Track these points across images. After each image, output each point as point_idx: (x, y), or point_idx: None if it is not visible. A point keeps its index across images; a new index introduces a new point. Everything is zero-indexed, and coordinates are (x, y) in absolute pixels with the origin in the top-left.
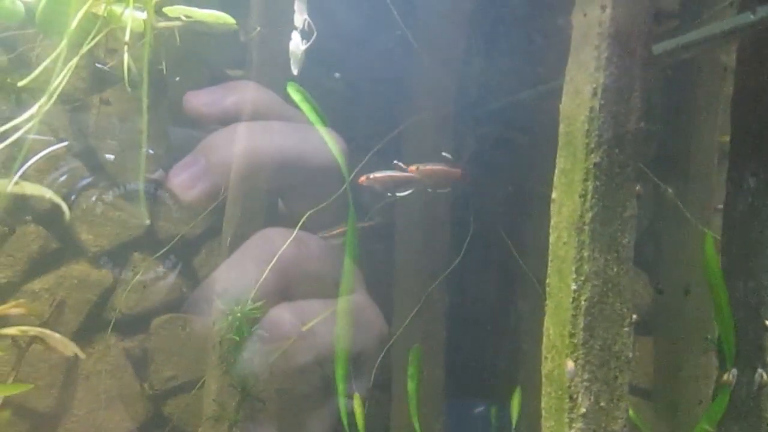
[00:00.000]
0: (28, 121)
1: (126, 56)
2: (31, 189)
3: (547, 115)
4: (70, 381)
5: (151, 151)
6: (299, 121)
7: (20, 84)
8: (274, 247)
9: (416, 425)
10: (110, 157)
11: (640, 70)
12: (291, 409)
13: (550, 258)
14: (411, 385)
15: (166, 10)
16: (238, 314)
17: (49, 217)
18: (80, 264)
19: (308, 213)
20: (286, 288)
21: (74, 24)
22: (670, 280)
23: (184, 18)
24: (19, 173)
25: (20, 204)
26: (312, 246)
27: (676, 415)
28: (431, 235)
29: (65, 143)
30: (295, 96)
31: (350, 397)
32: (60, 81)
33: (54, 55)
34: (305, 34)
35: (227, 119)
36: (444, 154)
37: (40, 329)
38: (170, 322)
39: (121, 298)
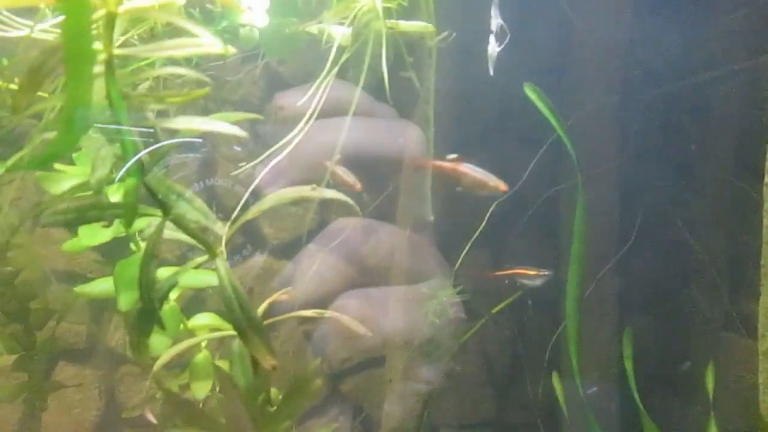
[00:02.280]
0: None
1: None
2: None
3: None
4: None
5: (238, 149)
6: (384, 115)
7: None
8: (346, 235)
9: (639, 405)
10: None
11: None
12: None
13: (765, 240)
14: (628, 365)
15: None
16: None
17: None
18: (263, 255)
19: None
20: (356, 276)
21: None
22: None
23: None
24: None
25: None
26: (383, 235)
27: None
28: (601, 224)
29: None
30: (532, 95)
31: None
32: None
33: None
34: (499, 37)
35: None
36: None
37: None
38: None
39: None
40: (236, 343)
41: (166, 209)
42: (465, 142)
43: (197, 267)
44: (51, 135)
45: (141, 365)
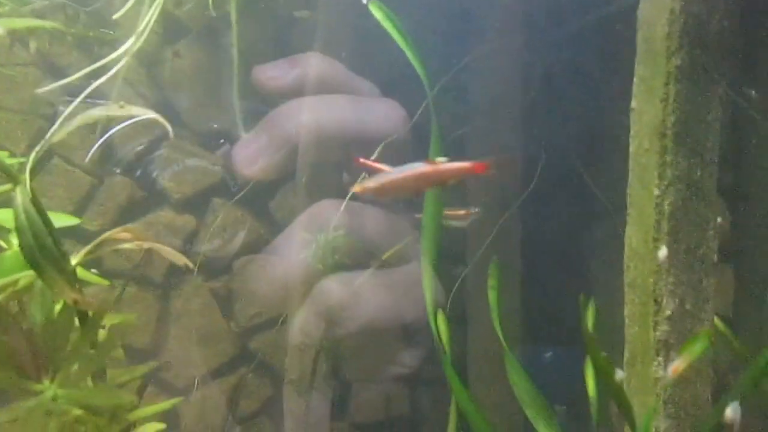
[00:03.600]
0: (119, 58)
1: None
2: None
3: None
4: (163, 320)
5: (215, 125)
6: (364, 92)
7: (114, 17)
8: (327, 217)
9: (501, 336)
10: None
11: None
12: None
13: (630, 168)
14: (492, 296)
15: None
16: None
17: (133, 167)
18: (165, 211)
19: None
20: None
21: None
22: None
23: None
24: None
25: (107, 155)
26: (365, 216)
27: (760, 342)
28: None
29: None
30: (378, 14)
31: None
32: (148, 20)
33: None
34: None
35: (293, 93)
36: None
37: (152, 243)
38: (251, 263)
39: (204, 242)
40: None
41: None
42: None
43: None
44: None
45: None
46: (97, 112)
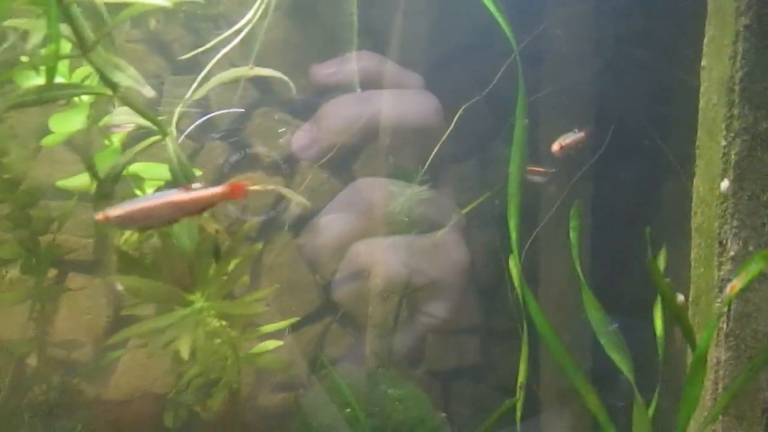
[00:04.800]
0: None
1: None
2: None
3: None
4: (256, 272)
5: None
6: (409, 84)
7: None
8: (364, 193)
9: (578, 269)
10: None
11: None
12: None
13: (699, 122)
14: (573, 236)
15: None
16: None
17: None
18: (257, 173)
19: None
20: (373, 228)
21: None
22: None
23: None
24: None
25: (206, 123)
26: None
27: None
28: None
29: None
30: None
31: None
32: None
33: None
34: None
35: (344, 88)
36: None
37: (275, 186)
38: (335, 220)
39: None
40: None
41: (114, 87)
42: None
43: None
44: None
45: None
46: (230, 74)
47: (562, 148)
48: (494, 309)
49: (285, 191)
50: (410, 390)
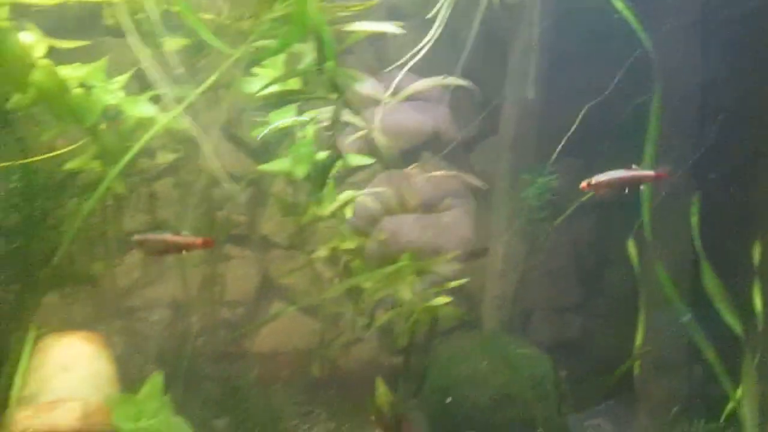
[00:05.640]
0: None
1: None
2: None
3: None
4: None
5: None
6: (434, 97)
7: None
8: (389, 181)
9: (698, 245)
10: None
11: None
12: None
13: None
14: (693, 220)
15: None
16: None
17: None
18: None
19: None
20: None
21: None
22: None
23: None
24: None
25: None
26: (416, 180)
27: None
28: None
29: None
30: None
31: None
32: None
33: None
34: None
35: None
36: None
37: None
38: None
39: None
40: None
41: (339, 91)
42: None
43: None
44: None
45: None
46: (423, 83)
47: (589, 186)
48: (595, 290)
49: (466, 176)
50: (534, 349)
